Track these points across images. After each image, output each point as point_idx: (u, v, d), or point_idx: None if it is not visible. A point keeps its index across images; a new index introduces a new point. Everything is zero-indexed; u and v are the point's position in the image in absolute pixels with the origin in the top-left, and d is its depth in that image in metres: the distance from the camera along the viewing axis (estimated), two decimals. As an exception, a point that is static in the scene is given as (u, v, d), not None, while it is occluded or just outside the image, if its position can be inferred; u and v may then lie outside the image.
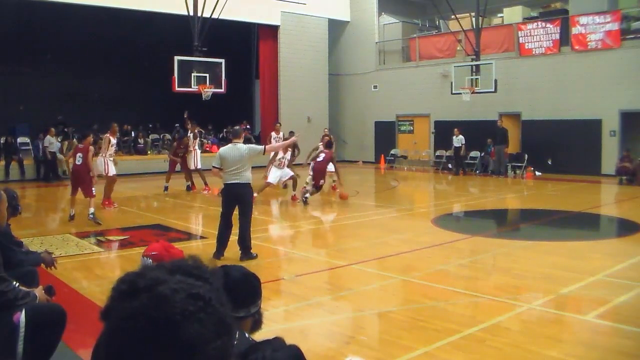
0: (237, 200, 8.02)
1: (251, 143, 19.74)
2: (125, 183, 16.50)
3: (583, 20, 19.30)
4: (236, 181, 7.83)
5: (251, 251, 8.09)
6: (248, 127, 25.74)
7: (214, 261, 7.63)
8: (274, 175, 13.79)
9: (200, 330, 0.94)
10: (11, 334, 3.43)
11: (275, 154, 13.43)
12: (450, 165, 21.81)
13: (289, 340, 2.07)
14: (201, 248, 8.92)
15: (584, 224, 11.89)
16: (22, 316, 3.48)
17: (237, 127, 8.44)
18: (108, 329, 0.98)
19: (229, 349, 0.99)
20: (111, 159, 12.73)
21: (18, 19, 20.47)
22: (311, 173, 13.55)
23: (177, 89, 15.87)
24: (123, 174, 16.60)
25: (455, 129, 20.73)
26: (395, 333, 5.25)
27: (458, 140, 20.69)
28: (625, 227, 11.01)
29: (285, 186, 15.15)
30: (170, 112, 23.62)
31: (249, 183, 7.99)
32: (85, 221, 10.71)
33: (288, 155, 14.19)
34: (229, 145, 8.19)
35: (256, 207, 13.71)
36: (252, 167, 8.12)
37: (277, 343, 2.00)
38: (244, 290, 2.32)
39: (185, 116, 17.04)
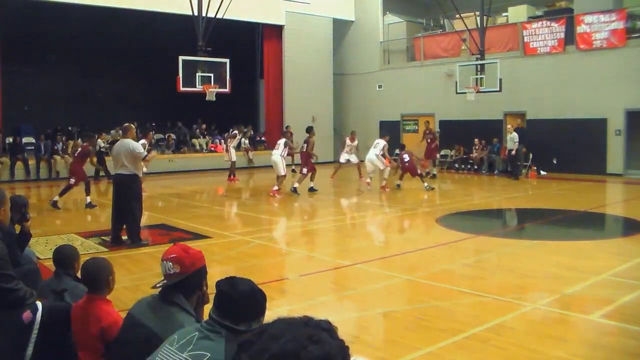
0: None
1: (253, 143, 20.46)
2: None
3: (588, 19, 19.25)
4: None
5: None
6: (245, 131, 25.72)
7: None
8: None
9: None
10: (21, 334, 3.41)
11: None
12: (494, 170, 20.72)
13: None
14: (206, 248, 8.92)
15: (589, 223, 11.85)
16: (37, 316, 3.46)
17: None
18: None
19: None
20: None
21: (23, 19, 20.53)
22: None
23: (181, 89, 15.92)
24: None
25: (509, 126, 19.63)
26: (400, 333, 5.25)
27: (511, 139, 18.94)
28: (630, 227, 10.97)
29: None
30: (174, 112, 23.72)
31: None
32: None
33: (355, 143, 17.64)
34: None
35: (259, 207, 13.77)
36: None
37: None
38: (249, 305, 2.29)
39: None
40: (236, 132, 18.61)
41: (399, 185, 16.48)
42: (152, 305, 2.82)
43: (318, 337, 1.14)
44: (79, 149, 13.58)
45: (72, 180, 13.04)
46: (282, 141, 15.16)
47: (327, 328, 1.20)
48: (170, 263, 2.76)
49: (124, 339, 2.87)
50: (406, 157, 16.34)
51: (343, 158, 18.17)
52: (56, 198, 12.94)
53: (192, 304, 2.80)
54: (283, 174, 14.86)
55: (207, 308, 2.73)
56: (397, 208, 13.49)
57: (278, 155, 14.89)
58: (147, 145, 15.61)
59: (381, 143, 16.26)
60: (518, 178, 18.65)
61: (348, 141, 18.26)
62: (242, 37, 24.51)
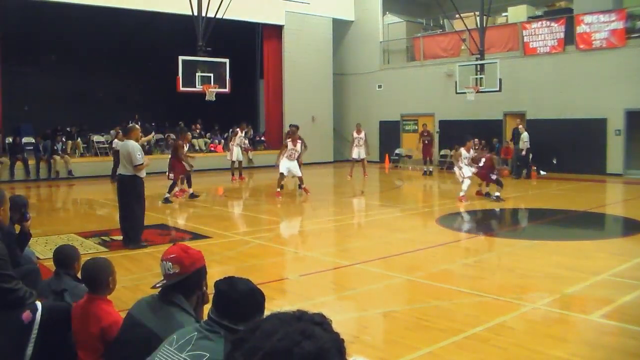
0: None
1: (253, 143, 20.37)
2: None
3: (588, 19, 19.25)
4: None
5: None
6: (245, 130, 25.74)
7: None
8: (284, 165, 14.38)
9: None
10: (20, 334, 3.41)
11: (286, 146, 14.42)
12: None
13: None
14: (206, 248, 8.91)
15: (588, 223, 11.85)
16: (37, 315, 3.46)
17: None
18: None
19: None
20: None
21: (23, 19, 20.53)
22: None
23: (181, 89, 15.92)
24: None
25: (520, 126, 19.26)
26: (400, 333, 5.24)
27: (522, 138, 18.68)
28: (630, 227, 10.97)
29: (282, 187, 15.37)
30: (174, 112, 23.70)
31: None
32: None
33: (298, 147, 14.59)
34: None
35: (259, 207, 13.76)
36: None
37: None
38: (248, 305, 2.29)
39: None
40: (238, 129, 18.51)
41: (495, 197, 13.86)
42: (151, 305, 2.82)
43: (311, 331, 1.13)
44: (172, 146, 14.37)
45: (171, 176, 13.69)
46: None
47: (320, 322, 1.18)
48: (170, 263, 2.76)
49: (124, 339, 2.88)
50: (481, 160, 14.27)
51: (355, 153, 18.61)
52: (167, 195, 13.52)
53: (192, 304, 2.81)
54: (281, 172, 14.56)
55: (207, 308, 2.74)
56: (397, 208, 13.49)
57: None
58: (186, 146, 15.69)
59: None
60: (519, 177, 18.67)
61: (355, 134, 18.58)
62: (242, 37, 24.50)
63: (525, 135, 18.67)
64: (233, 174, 18.37)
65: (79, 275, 3.92)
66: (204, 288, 2.86)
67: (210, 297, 2.43)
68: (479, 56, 19.69)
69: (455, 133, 21.67)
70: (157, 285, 2.83)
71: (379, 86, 25.94)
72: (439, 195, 16.62)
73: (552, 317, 5.64)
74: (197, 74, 16.04)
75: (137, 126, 9.46)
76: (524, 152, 18.75)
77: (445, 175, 20.87)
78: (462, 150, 14.13)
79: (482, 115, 21.33)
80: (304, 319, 1.19)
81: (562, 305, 6.02)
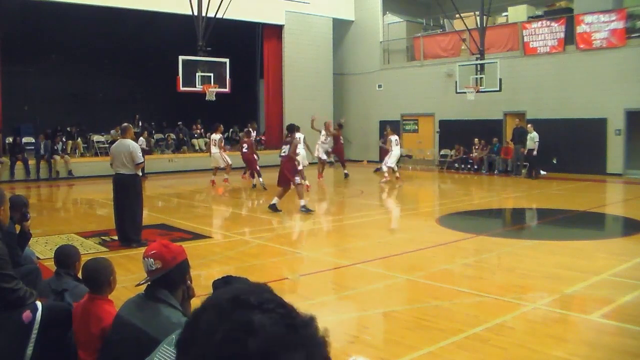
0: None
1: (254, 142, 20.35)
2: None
3: (588, 18, 19.24)
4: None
5: None
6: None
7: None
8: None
9: None
10: (20, 334, 3.41)
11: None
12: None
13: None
14: (206, 248, 8.91)
15: (588, 223, 11.85)
16: (37, 315, 3.46)
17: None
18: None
19: None
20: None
21: (23, 19, 20.54)
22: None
23: (181, 88, 15.94)
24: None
25: (529, 125, 19.27)
26: (400, 332, 5.25)
27: (531, 138, 18.82)
28: (630, 226, 10.98)
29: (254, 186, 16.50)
30: (174, 112, 23.72)
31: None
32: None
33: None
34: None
35: (259, 207, 13.74)
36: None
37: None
38: None
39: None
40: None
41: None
42: (138, 303, 2.86)
43: (251, 324, 0.96)
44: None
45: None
46: (302, 136, 14.76)
47: (257, 303, 1.01)
48: (152, 259, 2.80)
49: (114, 339, 2.91)
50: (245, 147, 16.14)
51: (321, 153, 18.19)
52: (262, 182, 14.97)
53: (178, 299, 2.84)
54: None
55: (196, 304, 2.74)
56: (397, 208, 13.50)
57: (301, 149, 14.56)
58: (223, 140, 15.95)
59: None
60: (537, 177, 18.68)
61: (322, 130, 18.35)
62: (242, 37, 24.51)
63: (535, 135, 18.61)
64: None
65: (79, 275, 3.93)
66: (188, 282, 2.90)
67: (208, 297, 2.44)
68: (479, 56, 19.70)
69: (455, 133, 21.75)
70: (141, 283, 2.87)
71: (379, 86, 25.93)
72: (439, 195, 16.61)
73: (552, 317, 5.64)
74: (197, 74, 16.07)
75: (131, 125, 9.48)
76: (535, 152, 18.67)
77: (445, 175, 20.88)
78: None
79: (482, 115, 21.33)
80: (239, 303, 1.00)
81: (562, 305, 6.03)
